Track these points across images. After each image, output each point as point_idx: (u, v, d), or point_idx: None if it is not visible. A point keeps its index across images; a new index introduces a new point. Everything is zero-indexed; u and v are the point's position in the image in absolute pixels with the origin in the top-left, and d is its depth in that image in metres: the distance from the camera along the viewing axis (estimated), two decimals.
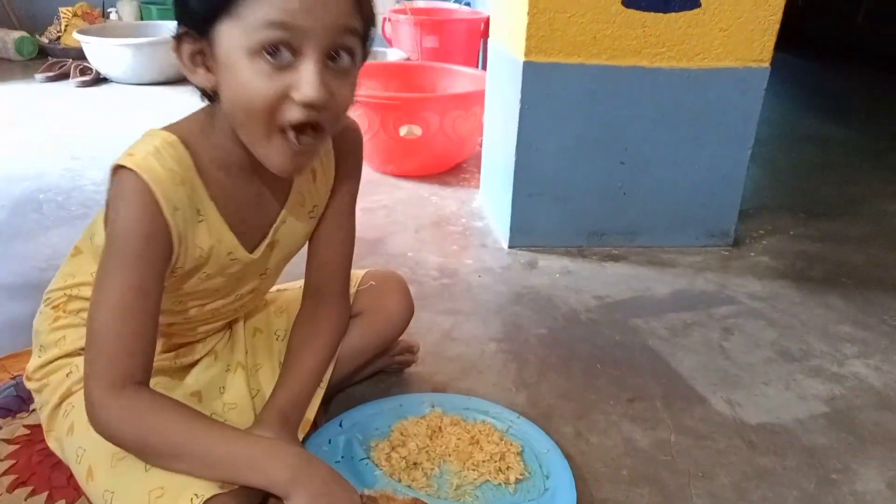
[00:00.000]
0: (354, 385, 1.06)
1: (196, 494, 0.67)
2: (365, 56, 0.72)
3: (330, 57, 0.64)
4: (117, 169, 0.68)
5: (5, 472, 0.86)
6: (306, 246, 0.90)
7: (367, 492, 0.78)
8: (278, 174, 0.71)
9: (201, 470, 0.69)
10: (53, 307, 0.86)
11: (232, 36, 0.62)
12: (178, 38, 0.66)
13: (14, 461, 0.88)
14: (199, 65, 0.67)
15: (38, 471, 0.85)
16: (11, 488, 0.83)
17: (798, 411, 1.07)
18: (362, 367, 1.03)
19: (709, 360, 1.20)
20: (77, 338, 0.83)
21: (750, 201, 1.85)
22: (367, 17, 0.67)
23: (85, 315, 0.81)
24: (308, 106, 0.64)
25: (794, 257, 1.63)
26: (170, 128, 0.72)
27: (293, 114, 0.64)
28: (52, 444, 0.83)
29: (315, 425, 0.94)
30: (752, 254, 1.64)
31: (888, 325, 1.34)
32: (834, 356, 1.23)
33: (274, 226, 0.81)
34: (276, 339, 0.95)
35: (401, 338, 1.07)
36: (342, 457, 0.88)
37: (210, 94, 0.70)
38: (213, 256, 0.76)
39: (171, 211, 0.69)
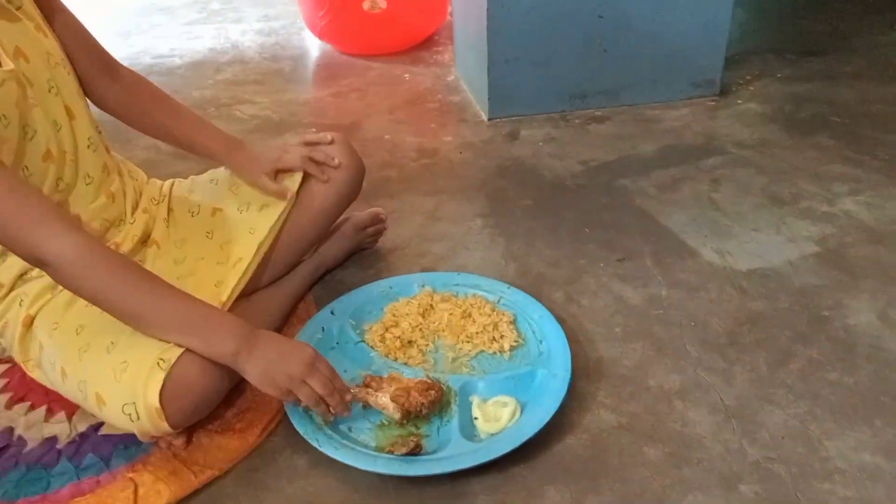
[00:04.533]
0: (341, 272, 1.05)
1: (161, 359, 0.68)
2: None
3: None
4: None
5: (1, 391, 0.86)
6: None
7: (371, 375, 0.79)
8: None
9: (155, 331, 0.70)
10: None
11: None
12: None
13: (7, 380, 0.87)
14: None
15: (33, 387, 0.85)
16: (10, 405, 0.84)
17: (789, 254, 1.07)
18: (330, 224, 1.01)
19: (698, 213, 1.18)
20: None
21: (736, 46, 1.76)
22: None
23: None
24: None
25: (782, 100, 1.58)
26: None
27: None
28: (34, 374, 0.81)
29: (304, 317, 0.94)
30: (740, 101, 1.58)
31: (879, 160, 1.31)
32: (825, 196, 1.21)
33: None
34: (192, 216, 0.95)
35: (365, 211, 1.09)
36: (337, 342, 0.88)
37: None
38: None
39: None
